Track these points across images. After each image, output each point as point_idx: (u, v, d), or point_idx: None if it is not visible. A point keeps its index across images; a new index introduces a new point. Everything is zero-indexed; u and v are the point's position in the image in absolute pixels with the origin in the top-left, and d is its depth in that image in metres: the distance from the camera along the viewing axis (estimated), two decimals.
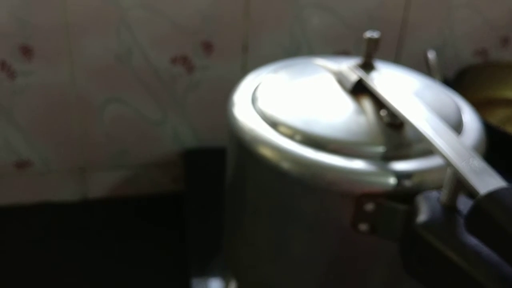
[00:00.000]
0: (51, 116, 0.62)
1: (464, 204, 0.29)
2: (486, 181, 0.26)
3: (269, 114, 0.35)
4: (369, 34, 0.35)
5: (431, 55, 0.58)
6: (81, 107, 0.62)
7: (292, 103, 0.36)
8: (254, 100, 0.37)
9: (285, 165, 0.33)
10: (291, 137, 0.34)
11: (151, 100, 0.64)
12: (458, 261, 0.27)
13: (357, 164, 0.32)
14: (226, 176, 0.40)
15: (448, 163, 0.28)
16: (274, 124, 0.35)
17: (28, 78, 0.59)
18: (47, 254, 0.60)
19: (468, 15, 0.68)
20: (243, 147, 0.35)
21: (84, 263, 0.58)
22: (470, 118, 0.38)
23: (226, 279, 0.47)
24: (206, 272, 0.49)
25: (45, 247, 0.61)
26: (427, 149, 0.33)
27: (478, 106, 0.64)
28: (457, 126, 0.36)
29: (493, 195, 0.25)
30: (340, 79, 0.37)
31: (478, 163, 0.28)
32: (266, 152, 0.34)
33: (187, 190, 0.63)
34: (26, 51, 0.58)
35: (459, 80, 0.62)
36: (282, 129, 0.34)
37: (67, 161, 0.66)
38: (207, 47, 0.62)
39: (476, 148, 0.35)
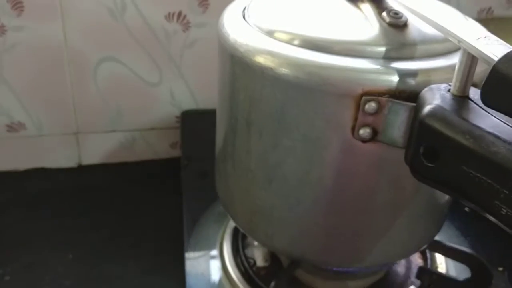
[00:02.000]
0: (43, 75, 0.60)
1: (476, 93, 0.27)
2: (502, 50, 0.24)
3: (263, 24, 0.33)
4: None
5: None
6: (74, 66, 0.60)
7: (287, 12, 0.34)
8: (245, 16, 0.35)
9: (283, 69, 0.30)
10: (288, 42, 0.31)
11: (146, 59, 0.62)
12: (472, 144, 0.24)
13: (358, 63, 0.29)
14: (217, 103, 0.38)
15: (459, 40, 0.26)
16: (269, 32, 0.32)
17: (19, 33, 0.57)
18: (42, 220, 0.57)
19: None
20: (237, 62, 0.33)
21: (80, 229, 0.56)
22: (477, 27, 0.35)
23: (222, 225, 0.45)
24: (200, 221, 0.47)
25: (39, 214, 0.58)
26: (434, 50, 0.31)
27: None
28: None
29: (510, 55, 0.22)
30: None
31: (495, 40, 0.25)
32: (262, 60, 0.31)
33: (184, 152, 0.61)
34: (16, 5, 0.56)
35: None
36: (278, 35, 0.32)
37: (60, 125, 0.63)
38: (203, 2, 0.60)
39: None
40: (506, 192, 0.23)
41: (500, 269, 0.45)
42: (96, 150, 0.66)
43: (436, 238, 0.41)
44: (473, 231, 0.48)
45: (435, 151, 0.26)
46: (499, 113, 0.24)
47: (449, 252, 0.42)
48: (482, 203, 0.24)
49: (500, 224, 0.24)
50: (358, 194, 0.33)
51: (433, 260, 0.44)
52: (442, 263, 0.44)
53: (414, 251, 0.40)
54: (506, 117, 0.24)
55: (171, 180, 0.61)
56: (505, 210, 0.23)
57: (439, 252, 0.43)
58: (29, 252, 0.53)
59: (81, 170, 0.66)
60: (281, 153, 0.33)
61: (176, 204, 0.55)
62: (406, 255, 0.40)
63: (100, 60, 0.61)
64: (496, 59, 0.23)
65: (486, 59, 0.24)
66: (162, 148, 0.67)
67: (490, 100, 0.23)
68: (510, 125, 0.24)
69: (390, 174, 0.32)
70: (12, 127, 0.62)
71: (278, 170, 0.33)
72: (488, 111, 0.25)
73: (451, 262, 0.44)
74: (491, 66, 0.23)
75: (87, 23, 0.58)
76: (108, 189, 0.63)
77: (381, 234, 0.35)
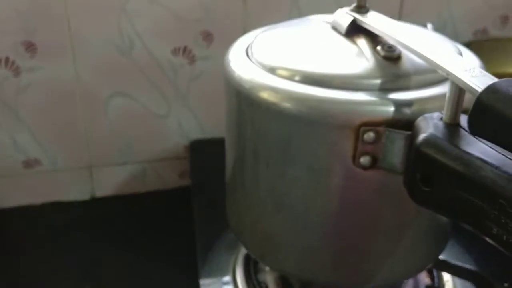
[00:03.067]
0: (57, 112, 0.63)
1: (466, 120, 0.28)
2: (485, 82, 0.26)
3: (266, 62, 0.35)
4: None
5: (430, 26, 0.58)
6: (85, 102, 0.63)
7: (287, 49, 0.37)
8: (249, 54, 0.37)
9: (286, 104, 0.32)
10: (290, 78, 0.33)
11: (155, 92, 0.64)
12: (463, 169, 0.26)
13: (355, 96, 0.32)
14: (225, 136, 0.40)
15: (447, 73, 0.28)
16: (272, 69, 0.35)
17: (32, 74, 0.60)
18: (58, 253, 0.59)
19: None
20: (243, 98, 0.35)
21: (95, 260, 0.58)
22: (470, 56, 0.38)
23: (234, 251, 0.46)
24: (213, 249, 0.49)
25: (55, 246, 0.60)
26: (426, 80, 0.33)
27: None
28: None
29: (492, 87, 0.24)
30: (335, 25, 0.37)
31: (479, 71, 0.27)
32: (267, 96, 0.33)
33: (193, 182, 0.63)
34: (29, 47, 0.59)
35: None
36: (280, 72, 0.34)
37: (74, 159, 0.66)
38: (207, 36, 0.63)
39: None
40: (496, 213, 0.25)
41: (506, 284, 0.46)
42: (108, 183, 0.68)
43: (442, 256, 0.43)
44: (478, 249, 0.49)
45: (430, 176, 0.28)
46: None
47: (454, 270, 0.43)
48: (475, 223, 0.26)
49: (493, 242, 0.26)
50: (363, 218, 0.35)
51: (440, 278, 0.46)
52: (449, 281, 0.46)
53: (420, 270, 0.42)
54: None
55: (181, 210, 0.63)
56: (495, 230, 0.25)
57: (445, 271, 0.45)
58: (46, 285, 0.54)
59: (95, 202, 0.68)
60: (287, 182, 0.35)
61: (188, 233, 0.57)
62: (413, 274, 0.42)
63: (110, 95, 0.63)
64: (480, 90, 0.25)
65: (471, 91, 0.26)
66: (172, 178, 0.69)
67: (476, 129, 0.25)
68: (497, 150, 0.26)
69: (392, 198, 0.34)
70: (28, 163, 0.65)
71: (285, 198, 0.35)
72: (477, 137, 0.27)
73: (458, 280, 0.45)
74: (475, 97, 0.25)
75: (97, 61, 0.61)
76: (121, 221, 0.64)
77: (387, 255, 0.37)
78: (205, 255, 0.49)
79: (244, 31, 0.63)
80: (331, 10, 0.38)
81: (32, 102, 0.61)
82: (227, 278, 0.46)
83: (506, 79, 0.25)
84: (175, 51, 0.63)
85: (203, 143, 0.66)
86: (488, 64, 0.67)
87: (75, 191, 0.67)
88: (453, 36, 0.70)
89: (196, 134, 0.67)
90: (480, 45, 0.66)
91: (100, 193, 0.68)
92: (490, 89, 0.24)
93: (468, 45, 0.65)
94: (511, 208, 0.24)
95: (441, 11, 0.68)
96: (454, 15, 0.69)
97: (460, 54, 0.37)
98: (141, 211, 0.66)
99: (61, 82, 0.61)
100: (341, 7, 0.38)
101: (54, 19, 0.58)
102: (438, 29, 0.69)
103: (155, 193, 0.69)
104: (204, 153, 0.65)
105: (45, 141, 0.64)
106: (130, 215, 0.66)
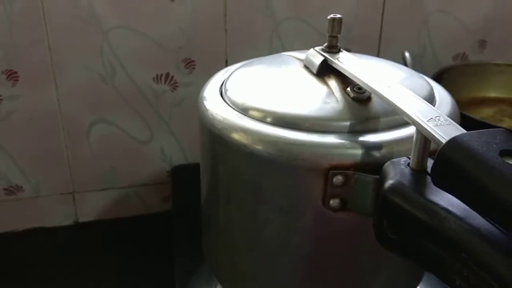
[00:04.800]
0: (39, 140, 0.63)
1: None
2: (450, 133, 0.26)
3: (238, 101, 0.36)
4: (332, 15, 0.36)
5: (407, 54, 0.59)
6: (68, 129, 0.63)
7: (260, 89, 0.37)
8: (223, 92, 0.38)
9: (257, 146, 0.33)
10: (261, 119, 0.34)
11: (137, 119, 0.64)
12: (428, 219, 0.26)
13: (325, 138, 0.32)
14: (200, 173, 0.40)
15: (413, 121, 0.28)
16: (244, 109, 0.35)
17: (14, 102, 0.60)
18: (41, 280, 0.59)
19: (444, 21, 0.69)
20: (215, 137, 0.35)
21: (78, 285, 0.58)
22: (443, 95, 0.38)
23: (212, 283, 0.46)
24: (192, 281, 0.48)
25: (38, 273, 0.60)
26: (396, 121, 0.33)
27: (460, 106, 0.64)
28: (428, 101, 0.36)
29: (454, 141, 0.24)
30: (307, 64, 0.38)
31: (444, 120, 0.28)
32: (238, 137, 0.34)
33: (175, 207, 0.63)
34: (11, 75, 0.59)
35: (438, 80, 0.62)
36: (252, 113, 0.34)
37: (57, 185, 0.66)
38: (189, 63, 0.63)
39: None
40: (459, 265, 0.25)
41: None
42: (92, 208, 0.68)
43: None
44: None
45: (396, 224, 0.28)
46: None
47: None
48: (440, 273, 0.26)
49: None
50: (336, 258, 0.35)
51: None
52: None
53: None
54: None
55: (164, 234, 0.63)
56: (459, 282, 0.25)
57: None
58: None
59: (78, 228, 0.68)
60: (260, 223, 0.35)
61: (169, 258, 0.57)
62: None
63: (92, 122, 0.63)
64: (443, 142, 0.25)
65: (435, 141, 0.26)
66: (155, 202, 0.70)
67: (439, 182, 0.26)
68: (462, 201, 0.26)
69: (363, 239, 0.34)
70: (10, 190, 0.65)
71: (258, 238, 0.35)
72: None
73: None
74: (439, 149, 0.25)
75: (79, 89, 0.61)
76: (104, 245, 0.65)
77: None
78: (184, 285, 0.49)
79: (226, 57, 0.64)
80: (311, 40, 0.38)
81: (14, 130, 0.61)
82: None
83: (470, 132, 0.25)
84: (157, 78, 0.63)
85: (185, 168, 0.67)
86: (467, 88, 0.68)
87: (58, 217, 0.67)
88: (433, 61, 0.71)
89: (179, 159, 0.68)
90: (459, 70, 0.67)
91: (83, 218, 0.68)
92: (452, 143, 0.25)
93: (448, 69, 0.66)
94: (473, 262, 0.24)
95: (421, 37, 0.69)
96: (433, 41, 0.70)
97: (432, 91, 0.38)
98: (124, 236, 0.66)
99: (43, 109, 0.61)
100: (321, 37, 0.38)
101: (36, 47, 0.58)
102: (419, 54, 0.70)
103: (138, 218, 0.69)
104: (186, 178, 0.65)
105: (27, 168, 0.64)
106: (114, 240, 0.66)
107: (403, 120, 0.33)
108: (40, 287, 0.58)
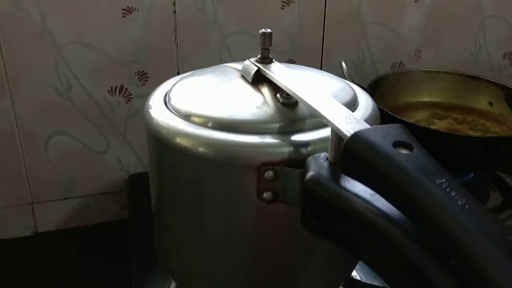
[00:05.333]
0: None
1: None
2: (356, 129, 0.30)
3: (181, 109, 0.39)
4: (263, 29, 0.40)
5: (343, 63, 0.64)
6: (25, 141, 0.65)
7: (201, 97, 0.41)
8: (167, 101, 0.41)
9: (198, 148, 0.36)
10: (202, 124, 0.38)
11: (94, 130, 0.67)
12: (341, 204, 0.31)
13: (257, 139, 0.36)
14: (149, 178, 0.43)
15: (326, 120, 0.33)
16: (186, 116, 0.39)
17: None
18: None
19: (381, 32, 0.75)
20: (160, 142, 0.39)
21: None
22: (365, 99, 0.43)
23: (167, 281, 0.50)
24: (147, 281, 0.52)
25: None
26: (318, 123, 0.37)
27: (396, 110, 0.70)
28: (351, 105, 0.40)
29: (355, 135, 0.29)
30: (243, 73, 0.42)
31: (354, 119, 0.32)
32: (182, 141, 0.37)
33: (131, 214, 0.66)
34: None
35: (376, 88, 0.67)
36: (194, 119, 0.38)
37: (15, 197, 0.67)
38: (142, 76, 0.66)
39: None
40: (367, 241, 0.29)
41: None
42: (51, 218, 0.70)
43: (356, 275, 0.47)
44: None
45: (317, 210, 0.32)
46: None
47: None
48: (352, 250, 0.31)
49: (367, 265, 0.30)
50: (274, 246, 0.39)
51: None
52: None
53: None
54: None
55: (123, 241, 0.65)
56: (367, 255, 0.29)
57: None
58: None
59: (37, 238, 0.70)
60: (203, 217, 0.39)
61: (127, 263, 0.59)
62: None
63: (50, 135, 0.66)
64: (349, 136, 0.30)
65: (343, 136, 0.31)
66: (114, 210, 0.72)
67: (348, 171, 0.30)
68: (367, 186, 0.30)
69: (296, 227, 0.38)
70: None
71: (202, 232, 0.39)
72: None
73: None
74: (344, 142, 0.30)
75: (35, 102, 0.63)
76: (65, 254, 0.66)
77: (298, 279, 0.41)
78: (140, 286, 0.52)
79: (178, 69, 0.67)
80: (258, 51, 0.42)
81: None
82: None
83: (370, 127, 0.30)
84: (111, 91, 0.66)
85: (142, 176, 0.69)
86: (403, 93, 0.74)
87: (17, 228, 0.69)
88: (372, 69, 0.76)
89: (135, 168, 0.71)
90: (396, 77, 0.73)
91: (42, 228, 0.70)
92: (354, 137, 0.29)
93: (385, 77, 0.72)
94: (377, 237, 0.28)
95: (361, 47, 0.75)
96: (371, 51, 0.75)
97: (355, 96, 0.42)
98: (84, 244, 0.68)
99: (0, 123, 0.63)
100: None
101: None
102: (359, 63, 0.75)
103: (97, 226, 0.71)
104: (143, 186, 0.68)
105: None
106: (73, 248, 0.68)
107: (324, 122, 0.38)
108: None
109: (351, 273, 0.45)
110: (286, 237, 0.39)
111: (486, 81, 0.71)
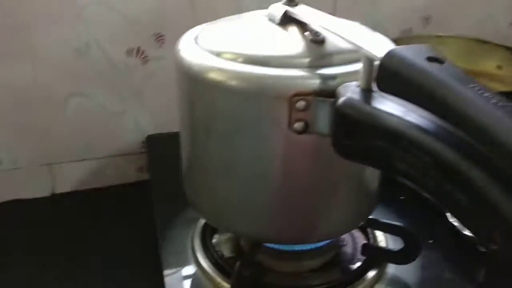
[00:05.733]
0: (16, 113, 0.66)
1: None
2: (387, 49, 0.32)
3: (212, 47, 0.41)
4: None
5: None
6: (44, 102, 0.66)
7: (231, 37, 0.42)
8: (197, 42, 0.43)
9: (231, 82, 0.38)
10: (234, 60, 0.39)
11: (111, 91, 0.68)
12: (373, 122, 0.32)
13: (288, 72, 0.38)
14: (179, 115, 0.45)
15: (358, 47, 0.34)
16: (218, 53, 0.40)
17: None
18: (19, 251, 0.61)
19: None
20: (193, 79, 0.41)
21: (57, 257, 0.60)
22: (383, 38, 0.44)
23: (191, 227, 0.51)
24: (172, 227, 0.53)
25: (16, 244, 0.62)
26: (346, 58, 0.39)
27: None
28: None
29: (391, 52, 0.31)
30: (270, 17, 0.43)
31: (381, 40, 0.34)
32: (214, 76, 0.39)
33: (151, 176, 0.67)
34: None
35: None
36: (225, 55, 0.40)
37: (34, 157, 0.69)
38: (159, 38, 0.68)
39: None
40: (401, 152, 0.31)
41: (431, 241, 0.53)
42: (68, 179, 0.71)
43: (375, 217, 0.49)
44: (407, 217, 0.56)
45: (350, 131, 0.34)
46: (393, 98, 0.33)
47: (385, 227, 0.50)
48: (386, 165, 0.32)
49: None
50: (301, 178, 0.41)
51: (375, 238, 0.52)
52: (382, 241, 0.52)
53: (354, 227, 0.48)
54: (399, 99, 0.32)
55: (140, 203, 0.67)
56: (401, 165, 0.31)
57: (376, 228, 0.51)
58: (4, 284, 0.57)
59: (55, 199, 0.71)
60: (235, 150, 0.40)
61: (149, 222, 0.59)
62: (348, 230, 0.48)
63: (68, 95, 0.67)
64: (383, 55, 0.31)
65: (375, 59, 0.32)
66: (130, 172, 0.73)
67: (383, 87, 0.32)
68: (402, 105, 0.32)
69: (324, 159, 0.40)
70: None
71: (234, 165, 0.41)
72: (386, 97, 0.33)
73: (390, 238, 0.52)
74: (380, 60, 0.31)
75: (54, 63, 0.65)
76: (81, 215, 0.68)
77: (324, 212, 0.43)
78: (164, 234, 0.53)
79: None
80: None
81: None
82: (188, 251, 0.51)
83: (403, 46, 0.31)
84: (129, 52, 0.67)
85: (158, 138, 0.71)
86: None
87: (35, 188, 0.70)
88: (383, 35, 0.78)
89: (151, 129, 0.72)
90: (405, 42, 0.74)
91: (60, 189, 0.71)
92: (388, 55, 0.31)
93: (394, 41, 0.73)
94: (411, 147, 0.30)
95: (371, 13, 0.76)
96: (382, 16, 0.77)
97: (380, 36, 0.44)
98: (101, 205, 0.70)
99: (20, 83, 0.64)
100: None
101: (12, 24, 0.61)
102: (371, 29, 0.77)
103: (114, 188, 0.73)
104: (160, 147, 0.70)
105: (5, 141, 0.67)
106: (90, 209, 0.69)
107: (352, 58, 0.39)
108: (17, 258, 0.60)
109: (372, 211, 0.46)
110: (314, 170, 0.40)
111: (496, 44, 0.73)
